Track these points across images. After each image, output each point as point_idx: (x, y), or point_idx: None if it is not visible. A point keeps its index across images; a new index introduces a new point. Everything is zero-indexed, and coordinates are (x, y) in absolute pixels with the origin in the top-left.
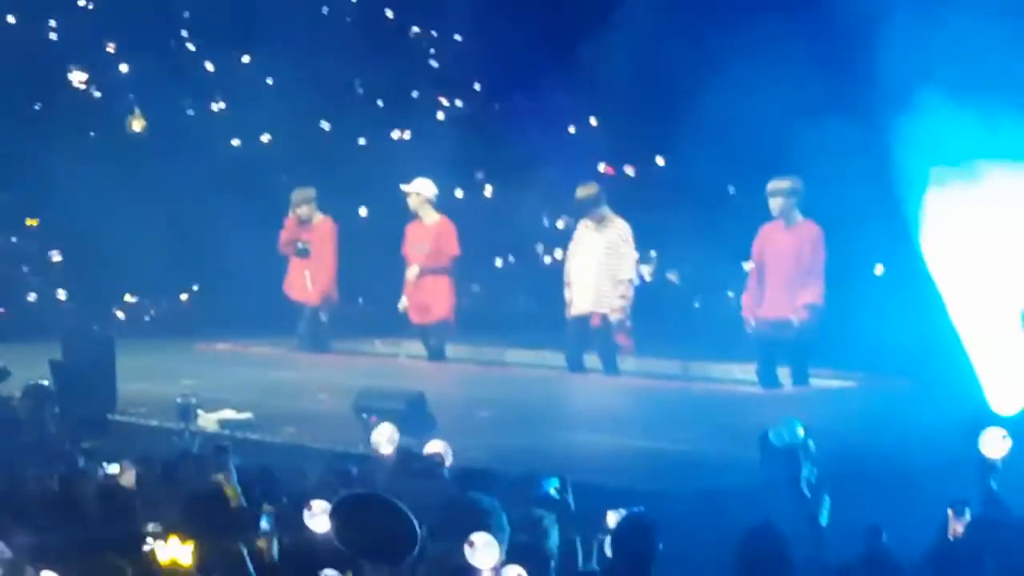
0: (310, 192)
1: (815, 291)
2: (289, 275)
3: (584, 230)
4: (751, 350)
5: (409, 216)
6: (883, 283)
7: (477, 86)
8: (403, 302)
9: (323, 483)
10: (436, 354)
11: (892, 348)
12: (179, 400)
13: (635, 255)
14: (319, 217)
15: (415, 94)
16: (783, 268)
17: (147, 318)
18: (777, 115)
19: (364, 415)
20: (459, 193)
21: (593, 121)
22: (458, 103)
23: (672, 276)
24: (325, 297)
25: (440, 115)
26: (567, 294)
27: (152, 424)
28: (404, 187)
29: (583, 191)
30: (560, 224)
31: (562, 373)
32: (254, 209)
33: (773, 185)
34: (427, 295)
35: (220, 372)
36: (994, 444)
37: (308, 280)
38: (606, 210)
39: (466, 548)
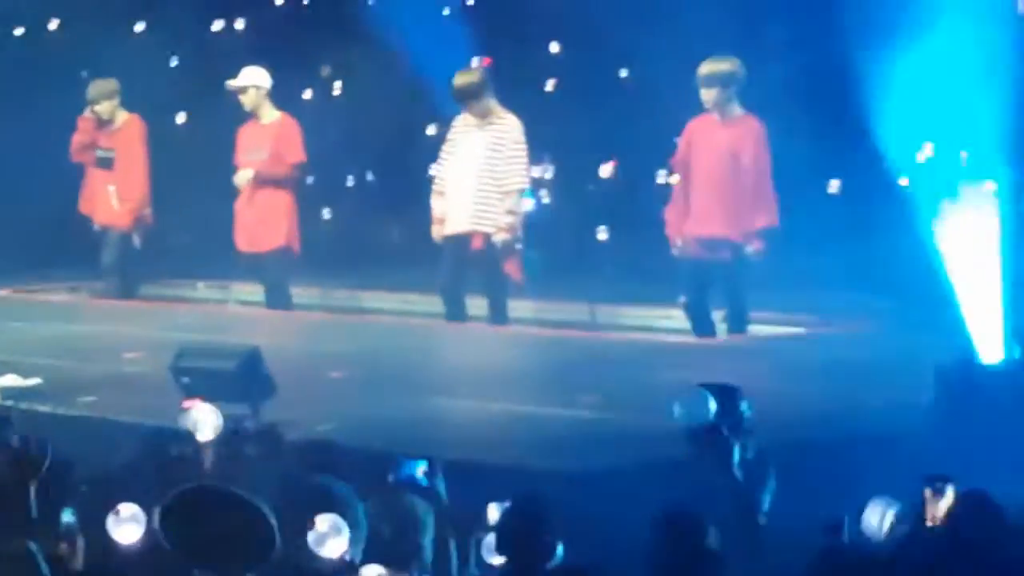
0: (111, 84)
1: (771, 209)
2: (87, 192)
3: (463, 128)
4: (674, 289)
5: (241, 118)
6: (838, 203)
7: None
8: None
9: (135, 468)
10: (276, 298)
11: (850, 285)
12: None
13: (527, 161)
14: (124, 116)
15: None
16: (717, 172)
17: None
18: None
19: (184, 379)
20: (305, 94)
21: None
22: None
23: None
24: (138, 217)
25: None
26: (438, 208)
27: None
28: (232, 83)
29: (462, 78)
30: (431, 130)
31: (435, 322)
32: (41, 113)
33: (708, 68)
34: (262, 213)
35: None
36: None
37: (113, 197)
38: (492, 103)
39: (310, 536)
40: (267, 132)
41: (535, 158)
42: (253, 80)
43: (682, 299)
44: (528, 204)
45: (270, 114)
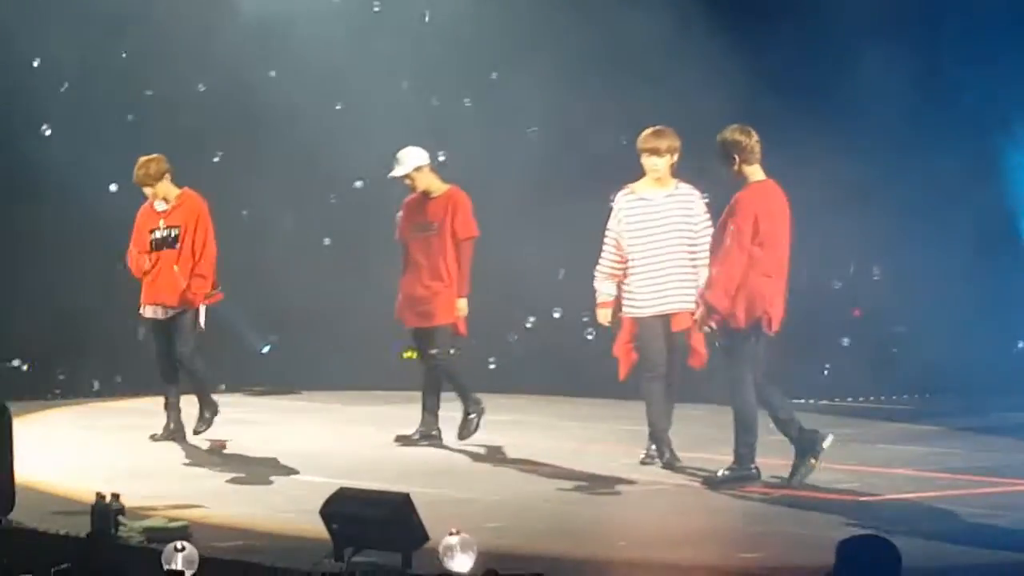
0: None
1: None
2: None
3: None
4: None
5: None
6: None
7: None
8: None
9: None
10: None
11: None
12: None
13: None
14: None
15: None
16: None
17: None
18: None
19: (334, 525)
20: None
21: None
22: None
23: None
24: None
25: None
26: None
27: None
28: (394, 173)
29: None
30: None
31: None
32: None
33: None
34: (429, 290)
35: None
36: None
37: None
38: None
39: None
40: (438, 205)
41: None
42: (414, 163)
43: None
44: None
45: (439, 188)
